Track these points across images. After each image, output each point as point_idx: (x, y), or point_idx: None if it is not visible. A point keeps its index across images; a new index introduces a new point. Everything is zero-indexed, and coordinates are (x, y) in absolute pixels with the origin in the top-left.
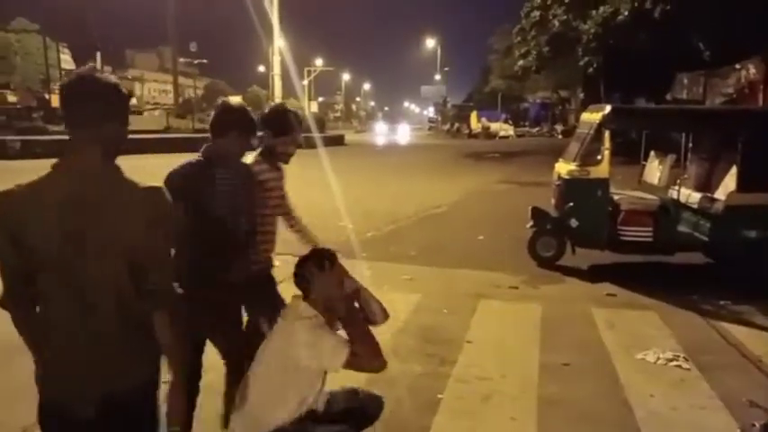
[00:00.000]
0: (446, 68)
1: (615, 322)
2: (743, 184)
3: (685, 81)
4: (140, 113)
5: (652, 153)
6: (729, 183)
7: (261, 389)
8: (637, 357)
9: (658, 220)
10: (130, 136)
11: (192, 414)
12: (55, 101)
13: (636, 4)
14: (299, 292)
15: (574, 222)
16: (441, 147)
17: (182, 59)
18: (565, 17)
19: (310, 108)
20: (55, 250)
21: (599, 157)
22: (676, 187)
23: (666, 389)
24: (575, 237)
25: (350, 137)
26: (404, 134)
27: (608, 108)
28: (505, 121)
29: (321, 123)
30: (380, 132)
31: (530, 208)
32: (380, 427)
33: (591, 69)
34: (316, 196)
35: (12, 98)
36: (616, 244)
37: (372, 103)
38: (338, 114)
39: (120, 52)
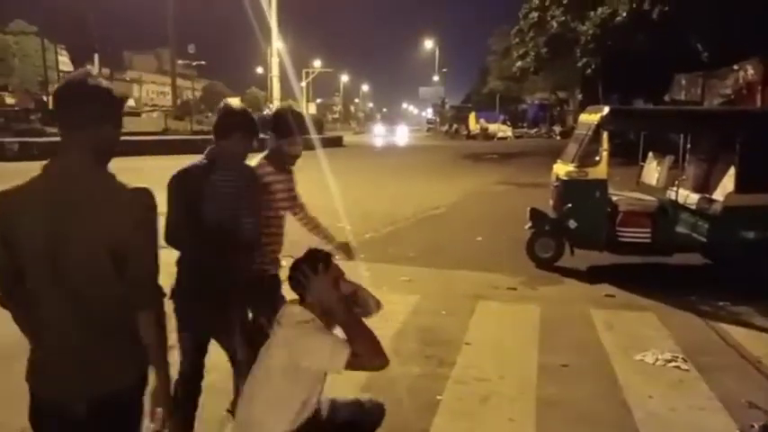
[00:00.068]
0: (444, 69)
1: (614, 323)
2: (741, 185)
3: (683, 82)
4: (138, 115)
5: (650, 154)
6: (728, 184)
7: (261, 396)
8: (635, 358)
9: (657, 221)
10: (129, 138)
11: (195, 414)
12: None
13: (634, 6)
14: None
15: (572, 223)
16: (439, 148)
17: (180, 61)
18: (563, 18)
19: (308, 109)
20: (42, 250)
21: (597, 159)
22: (675, 188)
23: (665, 390)
24: (573, 238)
25: (348, 138)
26: (402, 135)
27: (606, 109)
28: (504, 123)
29: (319, 125)
30: (379, 134)
31: (528, 209)
32: (380, 429)
33: (589, 70)
34: (314, 197)
35: (10, 100)
36: (614, 245)
37: (371, 105)
38: (336, 116)
39: (118, 54)
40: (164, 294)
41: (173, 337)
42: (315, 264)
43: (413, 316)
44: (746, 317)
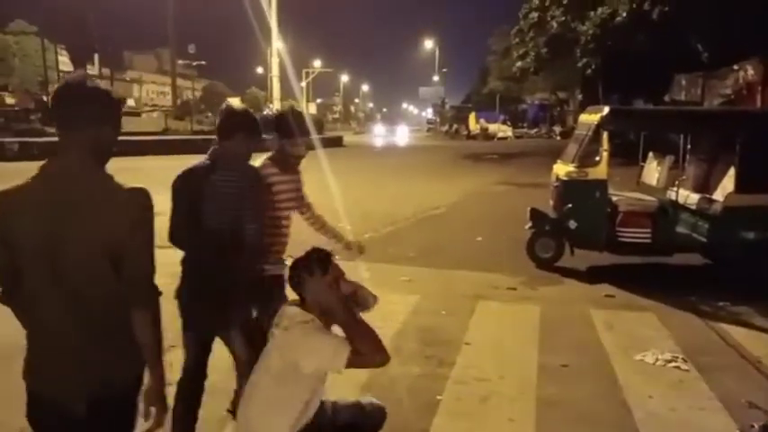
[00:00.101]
0: (444, 70)
1: (614, 323)
2: (741, 186)
3: (683, 82)
4: (138, 115)
5: (650, 154)
6: (728, 184)
7: (262, 398)
8: (635, 358)
9: (657, 221)
10: (129, 137)
11: (197, 413)
12: None
13: (634, 6)
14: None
15: (572, 224)
16: (439, 148)
17: (180, 61)
18: (563, 18)
19: (308, 110)
20: (40, 250)
21: (597, 159)
22: (675, 188)
23: (665, 390)
24: (573, 238)
25: (348, 138)
26: (402, 135)
27: (606, 109)
28: (504, 123)
29: (320, 125)
30: (379, 134)
31: (528, 209)
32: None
33: (589, 71)
34: (314, 197)
35: (10, 100)
36: (614, 245)
37: (371, 105)
38: (337, 116)
39: (118, 54)
40: (159, 293)
41: (170, 336)
42: (310, 265)
43: (413, 316)
44: (746, 317)
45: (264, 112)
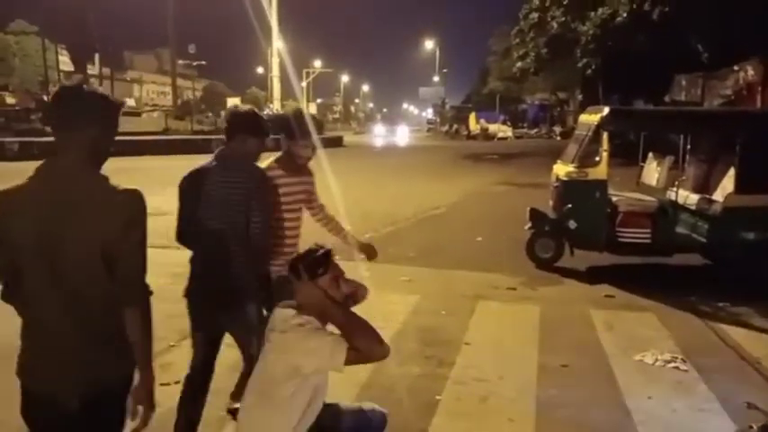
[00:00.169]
0: (445, 70)
1: (613, 324)
2: (741, 186)
3: (684, 83)
4: (139, 115)
5: (650, 155)
6: (727, 184)
7: (263, 401)
8: (635, 359)
9: (656, 221)
10: (129, 137)
11: (200, 413)
12: None
13: (634, 6)
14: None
15: (572, 224)
16: (439, 148)
17: (180, 61)
18: (563, 19)
19: (309, 109)
20: (37, 250)
21: (597, 159)
22: (674, 189)
23: (665, 390)
24: (573, 238)
25: (349, 138)
26: (402, 136)
27: (606, 110)
28: (504, 123)
29: (320, 125)
30: (379, 134)
31: (528, 209)
32: None
33: (589, 71)
34: None
35: (10, 100)
36: (614, 245)
37: (371, 105)
38: (337, 116)
39: (118, 54)
40: (150, 293)
41: (171, 337)
42: (297, 269)
43: (413, 316)
44: (746, 318)
45: (264, 112)
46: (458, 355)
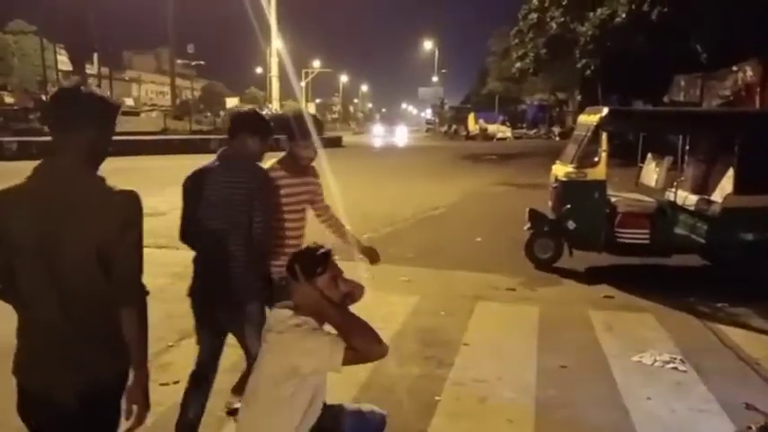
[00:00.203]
0: (444, 70)
1: (612, 324)
2: (740, 187)
3: (683, 83)
4: (137, 115)
5: (649, 155)
6: (726, 185)
7: (263, 402)
8: (634, 359)
9: (655, 222)
10: (128, 137)
11: (205, 405)
12: None
13: (633, 7)
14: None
15: (571, 224)
16: (438, 148)
17: (179, 61)
18: (562, 19)
19: (309, 110)
20: (34, 249)
21: (596, 159)
22: (673, 189)
23: (663, 391)
24: (572, 239)
25: (347, 138)
26: (401, 136)
27: (605, 110)
28: (503, 123)
29: (321, 126)
30: (378, 134)
31: (527, 210)
32: None
33: (588, 71)
34: None
35: (9, 99)
36: (613, 246)
37: (370, 105)
38: (336, 116)
39: (117, 54)
40: (147, 293)
41: (170, 337)
42: (293, 270)
43: (412, 317)
44: (745, 318)
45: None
46: (457, 355)
